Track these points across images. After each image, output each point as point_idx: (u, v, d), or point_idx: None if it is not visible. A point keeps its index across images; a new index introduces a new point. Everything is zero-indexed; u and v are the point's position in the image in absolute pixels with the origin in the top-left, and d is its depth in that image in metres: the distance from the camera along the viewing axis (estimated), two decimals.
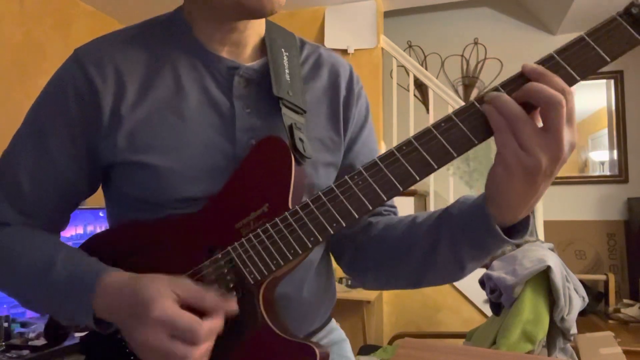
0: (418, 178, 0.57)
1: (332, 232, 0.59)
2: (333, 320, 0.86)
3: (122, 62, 0.67)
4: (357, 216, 0.58)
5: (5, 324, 2.01)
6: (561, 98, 0.50)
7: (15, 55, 2.93)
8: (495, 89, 0.54)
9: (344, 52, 3.47)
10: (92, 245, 0.70)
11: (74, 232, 2.29)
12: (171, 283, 0.57)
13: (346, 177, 0.59)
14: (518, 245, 1.97)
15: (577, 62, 0.53)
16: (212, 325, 0.55)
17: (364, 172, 0.59)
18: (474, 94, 4.14)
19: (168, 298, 0.55)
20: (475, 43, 4.15)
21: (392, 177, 0.57)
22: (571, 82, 0.53)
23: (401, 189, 0.57)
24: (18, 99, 2.87)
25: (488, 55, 4.10)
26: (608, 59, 0.53)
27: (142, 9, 3.39)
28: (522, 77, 0.54)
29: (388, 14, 3.79)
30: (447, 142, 0.55)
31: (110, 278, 0.61)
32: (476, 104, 0.55)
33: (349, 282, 3.04)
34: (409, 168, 0.57)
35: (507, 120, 0.52)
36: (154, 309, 0.54)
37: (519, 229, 0.58)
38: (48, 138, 0.68)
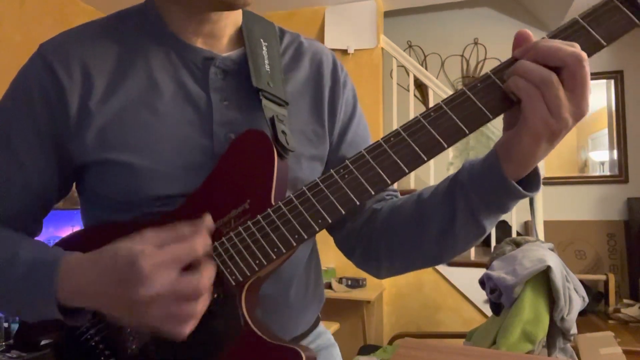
0: (407, 170, 0.54)
1: (317, 229, 0.56)
2: (321, 324, 0.82)
3: (89, 56, 0.64)
4: (343, 212, 0.55)
5: (5, 324, 2.01)
6: (585, 54, 0.49)
7: (15, 55, 2.93)
8: (511, 62, 0.53)
9: (344, 52, 3.47)
10: (65, 245, 0.66)
11: (62, 234, 2.29)
12: (141, 237, 0.52)
13: (332, 170, 0.57)
14: (518, 245, 1.97)
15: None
16: (204, 241, 0.53)
17: (350, 165, 0.56)
18: None
19: (148, 247, 0.51)
20: (475, 43, 4.15)
21: (380, 170, 0.55)
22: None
23: (390, 182, 0.55)
24: None
25: (488, 55, 4.11)
26: (604, 43, 0.52)
27: None
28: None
29: (388, 14, 3.79)
30: (437, 132, 0.53)
31: (74, 258, 0.57)
32: (492, 76, 0.53)
33: (349, 282, 3.04)
34: (397, 160, 0.54)
35: (537, 85, 0.50)
36: (141, 259, 0.49)
37: (531, 180, 0.57)
38: (14, 140, 0.64)
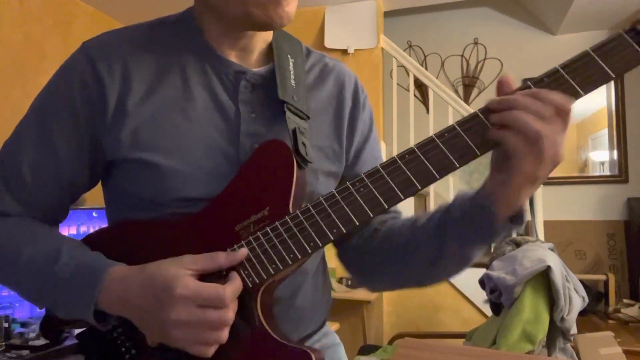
0: (420, 187, 0.57)
1: (332, 238, 0.59)
2: (327, 324, 0.86)
3: (130, 59, 0.67)
4: (357, 223, 0.58)
5: (5, 324, 2.01)
6: (545, 130, 0.52)
7: (15, 54, 2.93)
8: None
9: (344, 52, 3.47)
10: (92, 241, 0.70)
11: (67, 232, 2.29)
12: (180, 261, 0.58)
13: (348, 183, 0.60)
14: (518, 245, 1.97)
15: (582, 77, 0.54)
16: (234, 286, 0.58)
17: (365, 179, 0.59)
18: (474, 94, 4.14)
19: (185, 275, 0.57)
20: (475, 43, 4.15)
21: (393, 185, 0.57)
22: (576, 95, 0.54)
23: (402, 197, 0.58)
24: (17, 98, 2.87)
25: (488, 55, 4.10)
26: (613, 75, 0.53)
27: (142, 8, 3.39)
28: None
29: (388, 14, 3.79)
30: (450, 151, 0.56)
31: (119, 270, 0.61)
32: (480, 115, 0.56)
33: (349, 282, 3.04)
34: (411, 176, 0.57)
35: (528, 142, 0.53)
36: (177, 286, 0.55)
37: (518, 214, 0.60)
38: (52, 129, 0.67)
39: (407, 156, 0.58)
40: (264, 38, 0.74)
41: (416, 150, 0.57)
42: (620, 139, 3.81)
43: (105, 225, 0.75)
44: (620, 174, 3.80)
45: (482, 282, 1.89)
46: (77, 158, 0.68)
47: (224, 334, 0.56)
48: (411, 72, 3.45)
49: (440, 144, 0.56)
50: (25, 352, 1.90)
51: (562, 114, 0.53)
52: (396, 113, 3.45)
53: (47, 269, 0.63)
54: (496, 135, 0.54)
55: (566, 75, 0.54)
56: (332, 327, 2.46)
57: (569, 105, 0.53)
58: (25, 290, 0.68)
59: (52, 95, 0.69)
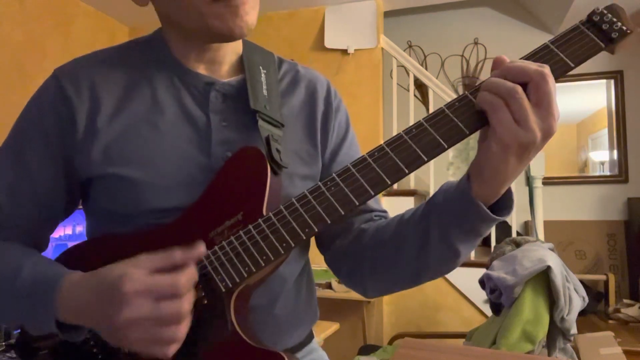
0: (389, 182, 0.57)
1: (304, 237, 0.59)
2: (315, 340, 0.84)
3: (98, 79, 0.69)
4: (329, 221, 0.58)
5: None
6: (548, 72, 0.52)
7: (15, 55, 2.93)
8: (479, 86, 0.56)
9: (344, 52, 3.47)
10: (66, 257, 0.70)
11: (63, 232, 2.29)
12: (134, 261, 0.55)
13: (319, 182, 0.60)
14: (518, 245, 1.97)
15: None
16: (188, 274, 0.54)
17: (336, 178, 0.59)
18: None
19: (134, 272, 0.53)
20: (475, 43, 4.15)
21: (364, 182, 0.58)
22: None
23: (373, 193, 0.58)
24: (18, 98, 2.87)
25: (488, 55, 4.10)
26: (572, 64, 0.55)
27: (142, 8, 3.39)
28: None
29: (388, 14, 3.78)
30: (418, 146, 0.57)
31: (72, 277, 0.60)
32: (468, 95, 0.56)
33: None
34: (381, 172, 0.57)
35: (502, 97, 0.52)
36: (125, 282, 0.52)
37: (504, 205, 0.59)
38: (26, 154, 0.69)
39: (376, 153, 0.58)
40: (233, 50, 0.75)
41: (385, 147, 0.58)
42: (620, 139, 3.82)
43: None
44: (620, 174, 3.80)
45: (482, 282, 1.89)
46: (52, 179, 0.69)
47: (182, 330, 0.52)
48: (411, 72, 3.45)
49: (407, 140, 0.57)
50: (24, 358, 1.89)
51: (537, 77, 0.52)
52: (396, 113, 3.45)
53: (9, 286, 0.63)
54: (477, 102, 0.55)
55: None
56: (332, 327, 2.46)
57: (540, 68, 0.52)
58: None
59: (25, 119, 0.71)
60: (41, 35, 3.09)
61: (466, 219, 0.59)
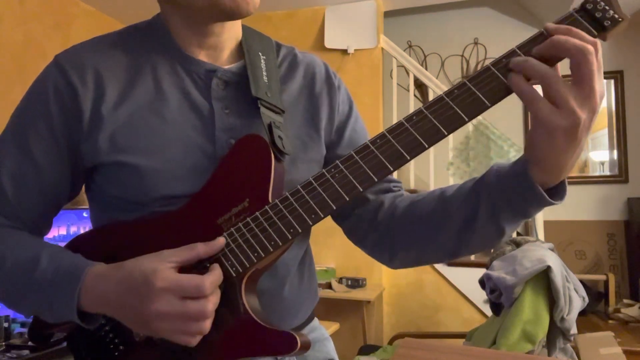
0: (391, 168, 0.60)
1: (311, 223, 0.61)
2: (316, 319, 0.87)
3: (102, 66, 0.69)
4: (334, 207, 0.61)
5: (5, 324, 2.01)
6: (591, 47, 0.51)
7: (15, 54, 2.93)
8: (513, 52, 0.56)
9: (344, 52, 3.47)
10: (76, 245, 0.71)
11: (57, 232, 2.27)
12: (159, 255, 0.59)
13: (323, 170, 0.62)
14: (518, 245, 1.97)
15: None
16: (214, 276, 0.59)
17: (340, 165, 0.61)
18: None
19: (164, 268, 0.57)
20: (475, 43, 4.15)
21: (367, 169, 0.60)
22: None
23: (376, 180, 0.60)
24: (18, 98, 2.85)
25: (488, 55, 4.10)
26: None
27: (142, 8, 3.38)
28: (541, 37, 0.56)
29: (388, 14, 3.79)
30: (419, 133, 0.58)
31: (97, 269, 0.62)
32: (492, 68, 0.56)
33: (349, 282, 3.04)
34: (383, 159, 0.60)
35: (538, 80, 0.52)
36: (157, 279, 0.56)
37: (557, 190, 0.58)
38: (30, 141, 0.69)
39: (378, 141, 0.60)
40: (233, 36, 0.76)
41: (387, 134, 0.60)
42: (620, 139, 3.82)
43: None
44: (620, 174, 3.80)
45: (482, 282, 1.89)
46: (57, 166, 0.69)
47: (206, 325, 0.58)
48: (411, 72, 3.45)
49: (409, 127, 0.59)
50: (25, 352, 1.90)
51: (579, 54, 0.51)
52: (396, 113, 3.45)
53: (28, 276, 0.64)
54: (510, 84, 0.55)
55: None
56: (332, 327, 2.46)
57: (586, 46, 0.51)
58: (10, 301, 0.68)
59: (27, 107, 0.71)
60: (41, 35, 3.09)
61: (522, 200, 0.58)
